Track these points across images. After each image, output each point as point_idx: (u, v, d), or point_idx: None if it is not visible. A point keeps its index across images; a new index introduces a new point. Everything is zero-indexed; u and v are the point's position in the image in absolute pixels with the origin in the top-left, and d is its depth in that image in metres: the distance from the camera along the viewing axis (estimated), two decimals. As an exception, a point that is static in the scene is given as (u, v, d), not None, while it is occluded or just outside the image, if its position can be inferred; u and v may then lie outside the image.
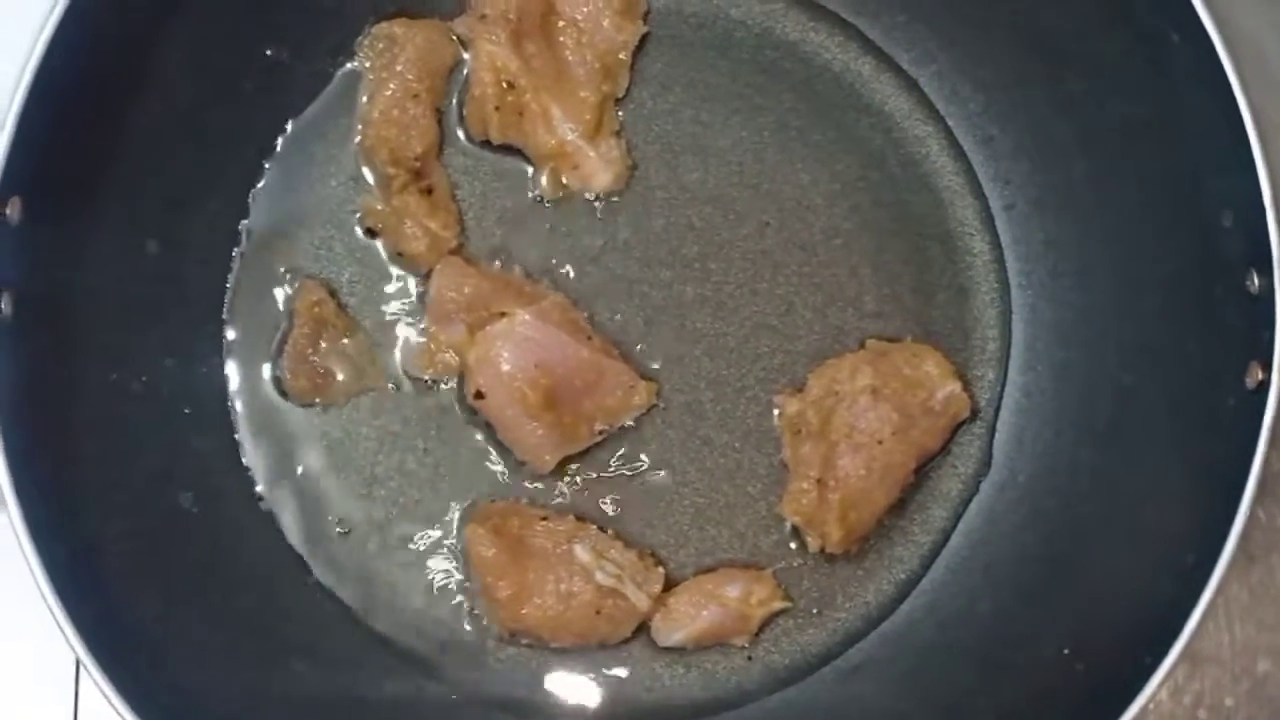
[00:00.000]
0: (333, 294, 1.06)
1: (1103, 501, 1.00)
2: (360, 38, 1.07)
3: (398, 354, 1.06)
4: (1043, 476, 1.05)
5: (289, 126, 1.08)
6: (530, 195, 1.08)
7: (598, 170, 1.07)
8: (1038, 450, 1.06)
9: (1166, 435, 0.97)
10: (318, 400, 1.05)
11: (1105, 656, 0.94)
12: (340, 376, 1.05)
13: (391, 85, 1.06)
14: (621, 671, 1.04)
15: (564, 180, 1.07)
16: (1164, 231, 0.98)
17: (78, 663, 0.87)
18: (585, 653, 1.04)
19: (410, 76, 1.06)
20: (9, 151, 0.87)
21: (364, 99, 1.07)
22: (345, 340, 1.05)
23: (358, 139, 1.07)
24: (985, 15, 1.06)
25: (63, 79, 0.90)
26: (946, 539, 1.07)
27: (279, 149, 1.08)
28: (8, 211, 0.88)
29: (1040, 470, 1.05)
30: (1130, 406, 1.01)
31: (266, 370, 1.06)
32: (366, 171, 1.07)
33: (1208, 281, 0.94)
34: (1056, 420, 1.06)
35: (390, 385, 1.05)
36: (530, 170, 1.08)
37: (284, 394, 1.05)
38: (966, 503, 1.07)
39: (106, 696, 0.86)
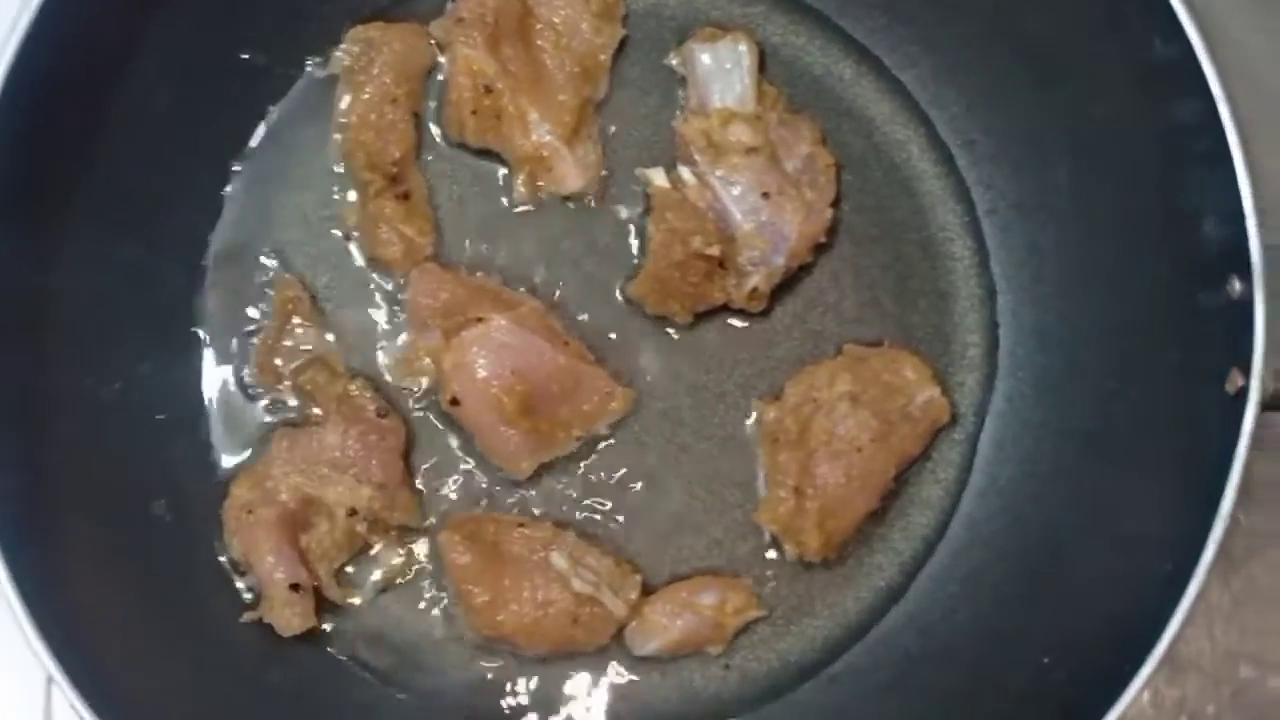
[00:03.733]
0: (311, 296, 1.05)
1: (1083, 508, 1.00)
2: (337, 41, 1.06)
3: (377, 360, 1.05)
4: (1023, 483, 1.04)
5: (265, 130, 1.07)
6: (507, 199, 1.07)
7: (571, 173, 1.06)
8: (1018, 457, 1.05)
9: (1147, 441, 0.97)
10: (282, 389, 1.04)
11: (1085, 664, 0.94)
12: (310, 374, 1.04)
13: (369, 89, 1.05)
14: (598, 680, 1.03)
15: (539, 184, 1.06)
16: (1146, 237, 0.97)
17: (49, 678, 0.87)
18: (561, 661, 1.03)
19: (387, 80, 1.05)
20: (-20, 158, 0.87)
21: (341, 103, 1.06)
22: (315, 333, 1.04)
23: (334, 143, 1.06)
24: (968, 19, 1.05)
25: (35, 84, 0.89)
26: (927, 546, 1.06)
27: (254, 152, 1.07)
28: (-20, 217, 0.88)
29: (1021, 477, 1.05)
30: (1111, 412, 1.00)
31: (242, 373, 1.05)
32: (342, 176, 1.06)
33: (1189, 287, 0.93)
34: (1037, 427, 1.05)
35: (366, 391, 1.04)
36: (508, 173, 1.07)
37: (250, 391, 1.04)
38: (947, 510, 1.06)
39: (78, 711, 0.86)
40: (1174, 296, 0.95)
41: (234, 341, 1.05)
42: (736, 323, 1.06)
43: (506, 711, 1.03)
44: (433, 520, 1.04)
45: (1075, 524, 1.00)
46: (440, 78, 1.07)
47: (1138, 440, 0.97)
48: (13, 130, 0.89)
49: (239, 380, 1.05)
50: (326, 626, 1.02)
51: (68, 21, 0.90)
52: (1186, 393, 0.94)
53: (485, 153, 1.07)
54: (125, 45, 0.97)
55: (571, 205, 1.07)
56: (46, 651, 0.85)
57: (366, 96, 1.05)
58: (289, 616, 0.98)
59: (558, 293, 1.06)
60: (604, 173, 1.07)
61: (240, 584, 1.01)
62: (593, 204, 1.07)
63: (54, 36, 0.89)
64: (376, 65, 1.06)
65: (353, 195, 1.06)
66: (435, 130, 1.08)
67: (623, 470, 1.05)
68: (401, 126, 1.06)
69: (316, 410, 1.03)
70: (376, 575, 1.03)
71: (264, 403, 1.04)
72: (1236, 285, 0.89)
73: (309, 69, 1.08)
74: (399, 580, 1.03)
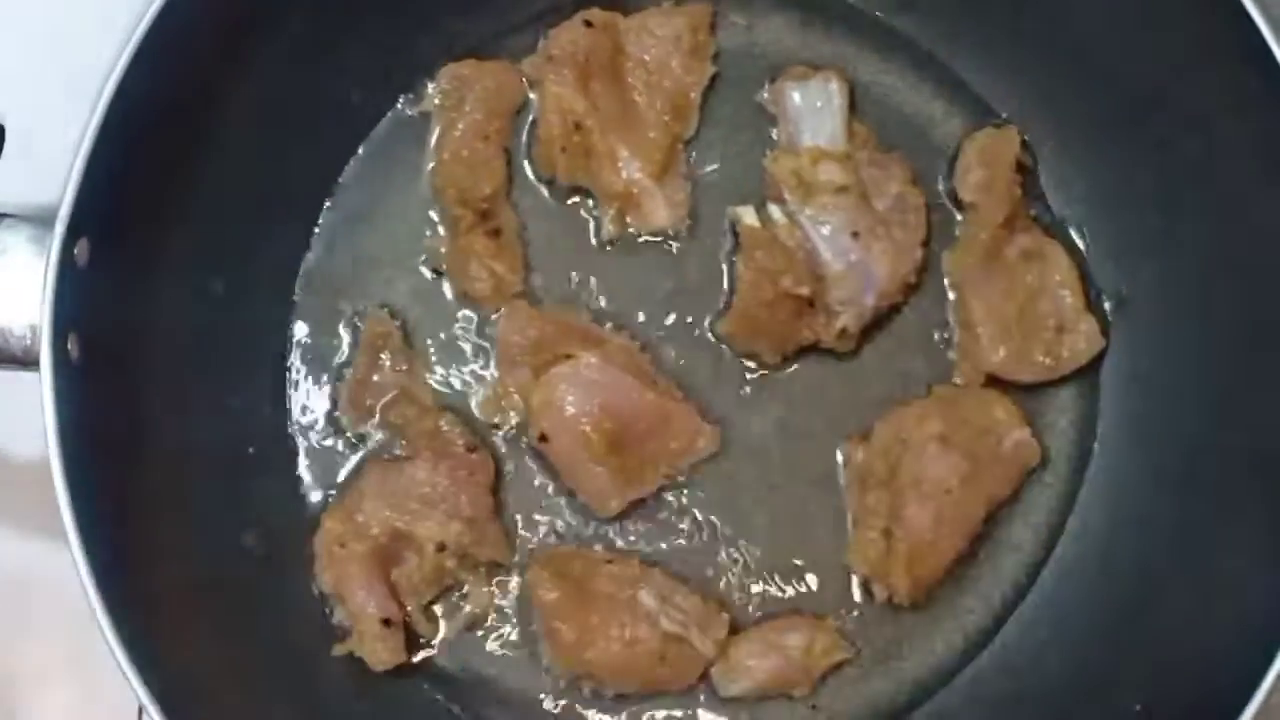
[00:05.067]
0: (401, 332, 1.06)
1: (1178, 556, 0.98)
2: (430, 78, 1.07)
3: (466, 395, 1.06)
4: (1115, 528, 1.03)
5: (355, 165, 1.08)
6: (598, 236, 1.07)
7: (660, 210, 1.06)
8: (1111, 501, 1.04)
9: (1244, 490, 0.95)
10: (371, 424, 1.05)
11: (1179, 713, 0.92)
12: (400, 408, 1.05)
13: (460, 125, 1.06)
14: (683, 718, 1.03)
15: (628, 221, 1.06)
16: (1245, 283, 0.96)
17: (141, 708, 0.87)
18: (647, 699, 1.03)
19: (479, 116, 1.06)
20: (78, 193, 0.88)
21: (433, 139, 1.07)
22: (404, 367, 1.05)
23: (426, 179, 1.07)
24: (1057, 58, 1.04)
25: (131, 121, 0.90)
26: (1016, 590, 1.05)
27: (346, 189, 1.08)
28: (75, 253, 0.88)
29: (1113, 521, 1.03)
30: (1207, 459, 0.98)
31: (332, 407, 1.06)
32: (433, 212, 1.07)
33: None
34: (1131, 471, 1.03)
35: (455, 427, 1.04)
36: (597, 210, 1.08)
37: (339, 426, 1.05)
38: (1037, 554, 1.05)
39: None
40: (1276, 344, 0.94)
41: (324, 376, 1.06)
42: (825, 362, 1.06)
43: (592, 749, 1.03)
44: (520, 557, 1.04)
45: (1170, 571, 0.98)
46: (531, 115, 1.08)
47: (1234, 489, 0.96)
48: (106, 169, 0.89)
49: (329, 414, 1.05)
50: (415, 660, 1.02)
51: (162, 62, 0.91)
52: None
53: (575, 189, 1.07)
54: (219, 84, 0.98)
55: (660, 243, 1.07)
56: (139, 682, 0.85)
57: (458, 133, 1.06)
58: (380, 651, 0.99)
59: (646, 330, 1.06)
60: (689, 209, 1.07)
61: (332, 617, 1.02)
62: (681, 242, 1.07)
63: (148, 77, 0.90)
64: (468, 102, 1.06)
65: (443, 231, 1.07)
66: (526, 167, 1.08)
67: (709, 508, 1.05)
68: (493, 163, 1.06)
69: (405, 445, 1.03)
70: (465, 610, 1.03)
71: (353, 437, 1.05)
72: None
73: (400, 105, 1.08)
74: (487, 616, 1.03)
